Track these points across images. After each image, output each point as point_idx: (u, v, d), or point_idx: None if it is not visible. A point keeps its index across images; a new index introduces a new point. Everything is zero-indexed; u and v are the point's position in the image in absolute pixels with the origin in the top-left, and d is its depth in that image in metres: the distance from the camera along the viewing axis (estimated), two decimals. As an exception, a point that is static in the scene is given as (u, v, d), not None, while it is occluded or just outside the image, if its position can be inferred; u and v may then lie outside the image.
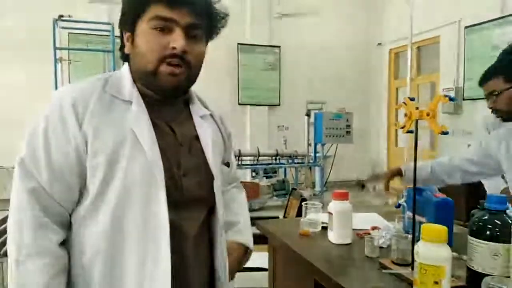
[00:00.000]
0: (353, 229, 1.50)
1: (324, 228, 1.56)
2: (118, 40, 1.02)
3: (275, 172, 5.97)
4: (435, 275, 0.91)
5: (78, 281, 0.87)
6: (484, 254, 1.00)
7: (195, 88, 1.05)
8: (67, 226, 0.89)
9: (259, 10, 6.77)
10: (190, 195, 0.94)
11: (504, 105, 1.50)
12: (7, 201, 0.94)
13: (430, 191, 1.45)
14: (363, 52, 7.33)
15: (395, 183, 1.78)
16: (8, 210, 0.88)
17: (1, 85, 5.35)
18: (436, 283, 0.91)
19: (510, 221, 0.99)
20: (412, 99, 1.12)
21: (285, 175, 5.96)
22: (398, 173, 1.72)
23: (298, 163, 6.01)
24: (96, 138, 0.85)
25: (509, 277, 0.96)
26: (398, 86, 7.16)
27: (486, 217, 1.02)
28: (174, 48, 0.88)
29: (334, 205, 1.47)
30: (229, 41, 6.43)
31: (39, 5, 5.35)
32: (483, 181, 2.42)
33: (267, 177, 5.77)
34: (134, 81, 0.94)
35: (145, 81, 0.93)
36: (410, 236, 1.18)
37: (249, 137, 6.73)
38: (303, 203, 1.72)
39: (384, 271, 1.19)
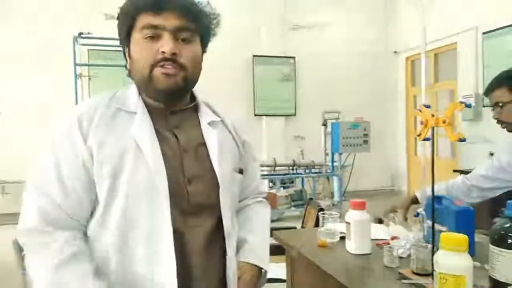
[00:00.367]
0: (372, 239, 1.48)
1: (342, 238, 1.55)
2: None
3: (292, 182, 5.95)
4: (456, 285, 0.89)
5: None
6: (506, 263, 0.97)
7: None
8: (82, 239, 0.90)
9: (273, 22, 6.83)
10: (196, 202, 0.94)
11: (509, 116, 1.49)
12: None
13: (450, 199, 1.43)
14: (379, 60, 7.29)
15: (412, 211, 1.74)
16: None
17: (24, 100, 5.52)
18: (457, 293, 0.89)
19: (532, 229, 0.97)
20: (427, 107, 1.11)
21: (302, 185, 5.94)
22: (414, 201, 1.68)
23: (315, 173, 5.98)
24: (100, 150, 0.87)
25: (533, 287, 0.93)
26: (415, 94, 7.08)
27: (508, 225, 1.00)
28: (163, 52, 0.90)
29: (352, 215, 1.45)
30: (244, 53, 6.52)
31: (60, 22, 5.52)
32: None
33: (284, 188, 5.76)
34: (140, 93, 0.97)
35: (145, 89, 0.95)
36: (430, 245, 1.17)
37: (265, 148, 6.74)
38: (320, 213, 1.71)
39: (403, 281, 1.17)
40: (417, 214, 1.56)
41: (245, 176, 1.10)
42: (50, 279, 0.84)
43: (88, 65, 5.66)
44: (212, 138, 1.00)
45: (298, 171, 6.01)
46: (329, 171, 5.92)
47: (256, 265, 1.06)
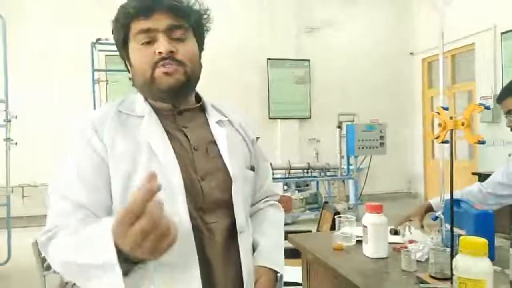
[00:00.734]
0: (389, 243, 1.47)
1: (359, 242, 1.54)
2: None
3: (307, 185, 5.93)
4: (476, 289, 0.88)
5: None
6: (528, 268, 0.95)
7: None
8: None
9: (287, 25, 6.84)
10: (211, 199, 0.94)
11: None
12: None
13: (468, 202, 1.40)
14: (395, 62, 7.22)
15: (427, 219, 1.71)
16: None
17: (44, 105, 5.66)
18: (477, 298, 0.88)
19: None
20: (445, 109, 1.10)
21: (317, 188, 5.91)
22: (428, 209, 1.66)
23: (330, 176, 5.94)
24: (113, 150, 0.89)
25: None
26: (432, 96, 6.99)
27: (529, 229, 0.98)
28: (160, 53, 0.91)
29: (369, 218, 1.44)
30: (258, 57, 6.53)
31: (78, 29, 5.63)
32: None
33: (299, 191, 5.74)
34: (146, 99, 0.99)
35: (149, 92, 0.96)
36: (448, 249, 1.15)
37: (279, 151, 6.73)
38: (336, 217, 1.70)
39: (422, 285, 1.16)
40: (435, 218, 1.54)
41: (256, 175, 1.10)
42: (70, 249, 0.82)
43: (106, 70, 5.75)
44: (222, 135, 1.01)
45: (313, 174, 5.98)
46: (344, 174, 5.88)
47: (271, 269, 1.05)
